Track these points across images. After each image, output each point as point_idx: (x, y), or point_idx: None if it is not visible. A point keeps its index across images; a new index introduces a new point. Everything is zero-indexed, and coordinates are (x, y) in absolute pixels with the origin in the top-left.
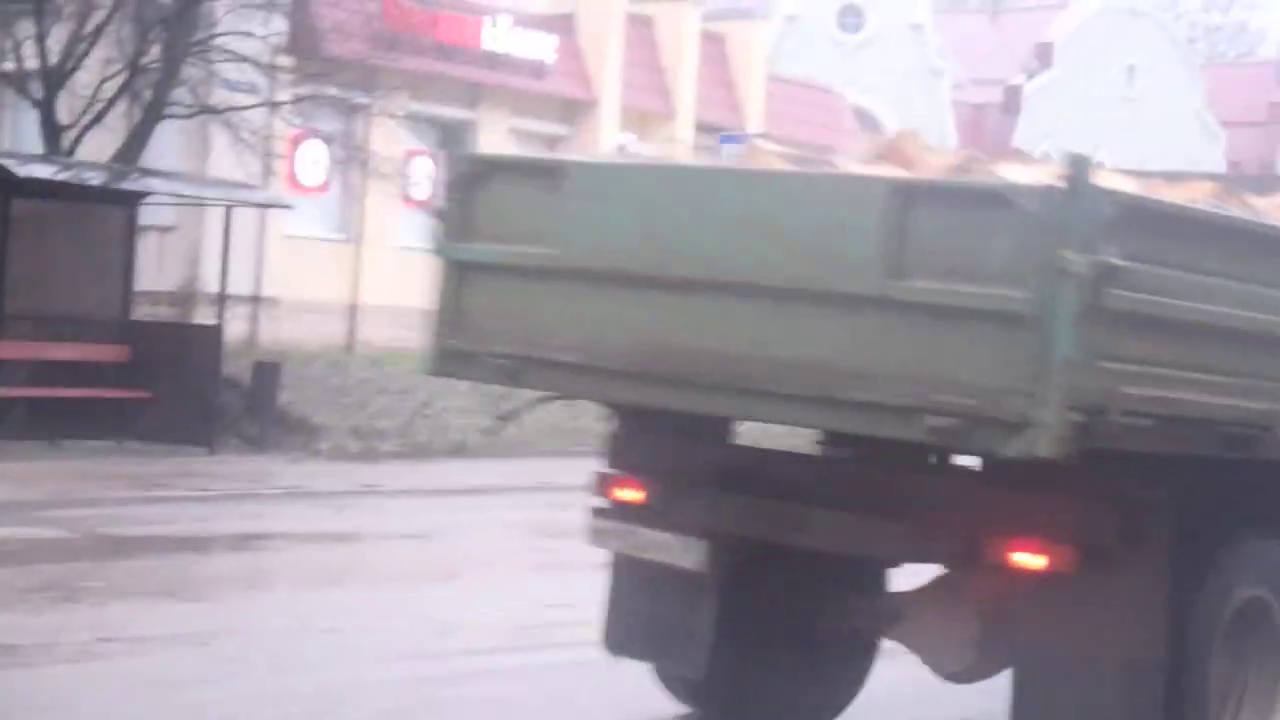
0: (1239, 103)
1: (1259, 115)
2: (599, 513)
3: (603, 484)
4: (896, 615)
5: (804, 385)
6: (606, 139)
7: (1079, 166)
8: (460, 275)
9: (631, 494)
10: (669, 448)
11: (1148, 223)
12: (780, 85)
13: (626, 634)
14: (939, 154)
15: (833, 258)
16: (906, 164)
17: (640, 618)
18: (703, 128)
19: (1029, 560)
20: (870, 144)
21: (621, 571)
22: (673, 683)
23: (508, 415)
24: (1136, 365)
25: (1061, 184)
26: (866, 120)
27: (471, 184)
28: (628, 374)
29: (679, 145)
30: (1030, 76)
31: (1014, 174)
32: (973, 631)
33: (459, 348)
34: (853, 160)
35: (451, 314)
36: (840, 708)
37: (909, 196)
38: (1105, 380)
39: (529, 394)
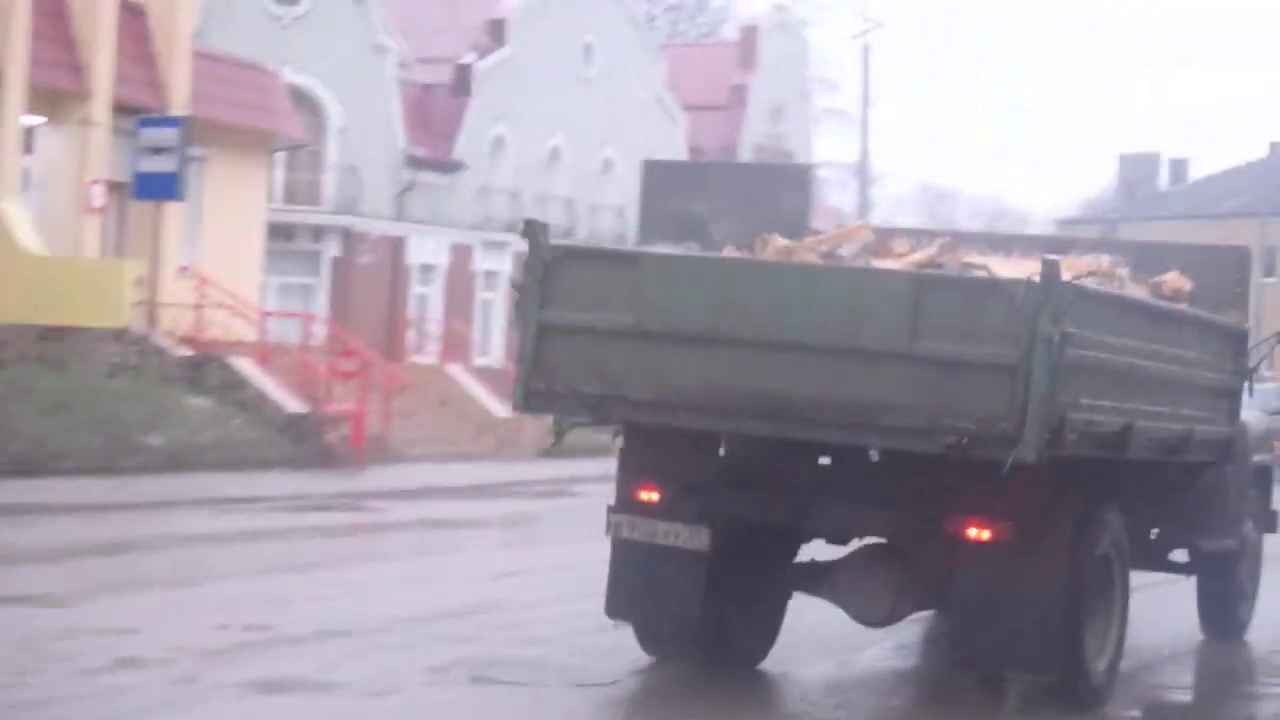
0: (700, 84)
1: (721, 98)
2: (616, 509)
3: (627, 488)
4: (826, 578)
5: (841, 415)
6: (10, 120)
7: (1051, 268)
8: (541, 333)
9: (649, 495)
10: (675, 459)
11: (1087, 303)
12: (207, 62)
13: (627, 602)
14: (916, 249)
15: (867, 325)
16: (894, 258)
17: (639, 589)
18: (121, 108)
19: (979, 533)
20: (853, 240)
21: (619, 556)
22: (654, 638)
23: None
24: (1076, 398)
25: (1037, 278)
26: (304, 101)
27: (552, 266)
28: (695, 408)
29: (95, 127)
30: (482, 55)
31: (997, 267)
32: (891, 588)
33: (543, 388)
34: (850, 254)
35: (535, 362)
36: (768, 651)
37: (927, 285)
38: (1061, 409)
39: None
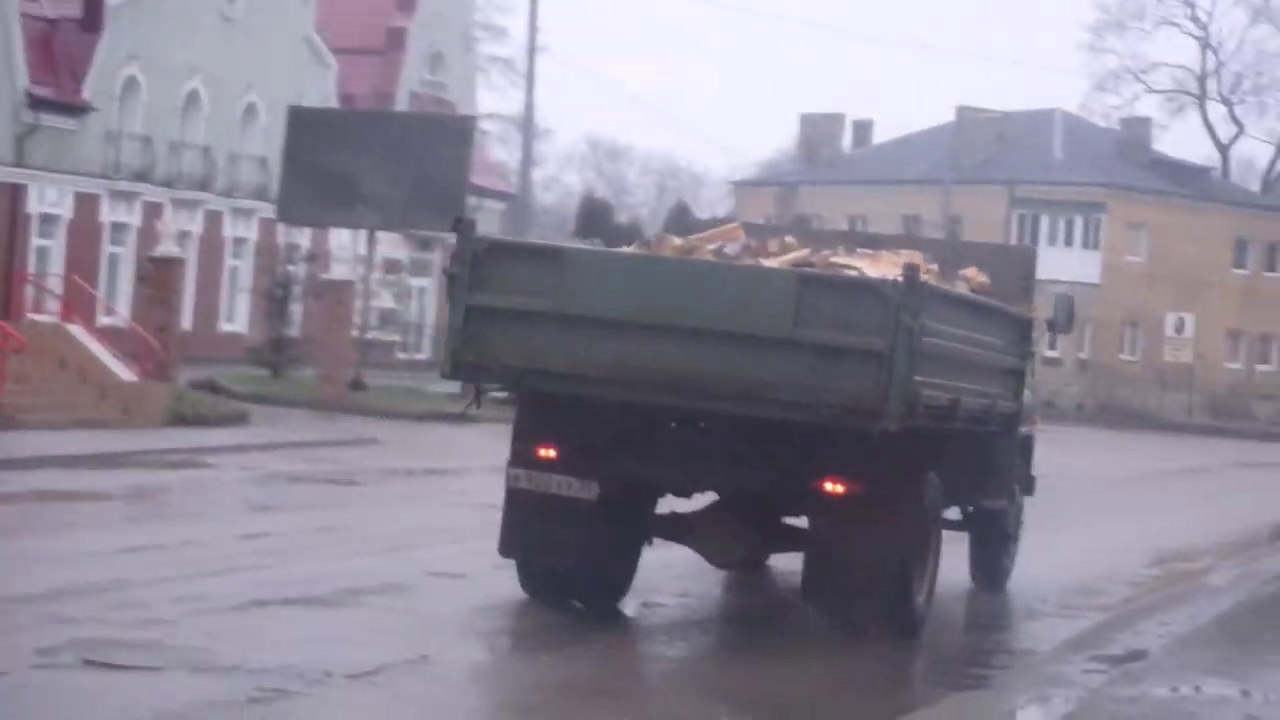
0: (355, 27)
1: (377, 42)
2: (514, 464)
3: (525, 446)
4: (687, 527)
5: (734, 389)
6: None
7: (911, 271)
8: (470, 313)
9: (547, 452)
10: (571, 424)
11: (936, 300)
12: None
13: (519, 544)
14: (789, 249)
15: (758, 314)
16: (770, 257)
17: (531, 533)
18: None
19: (835, 488)
20: (731, 240)
21: (514, 504)
22: (536, 577)
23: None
24: (924, 378)
25: (901, 278)
26: None
27: (480, 256)
28: (608, 381)
29: None
30: None
31: (865, 266)
32: (743, 536)
33: (471, 360)
34: (734, 252)
35: (464, 337)
36: (627, 589)
37: (810, 282)
38: (915, 387)
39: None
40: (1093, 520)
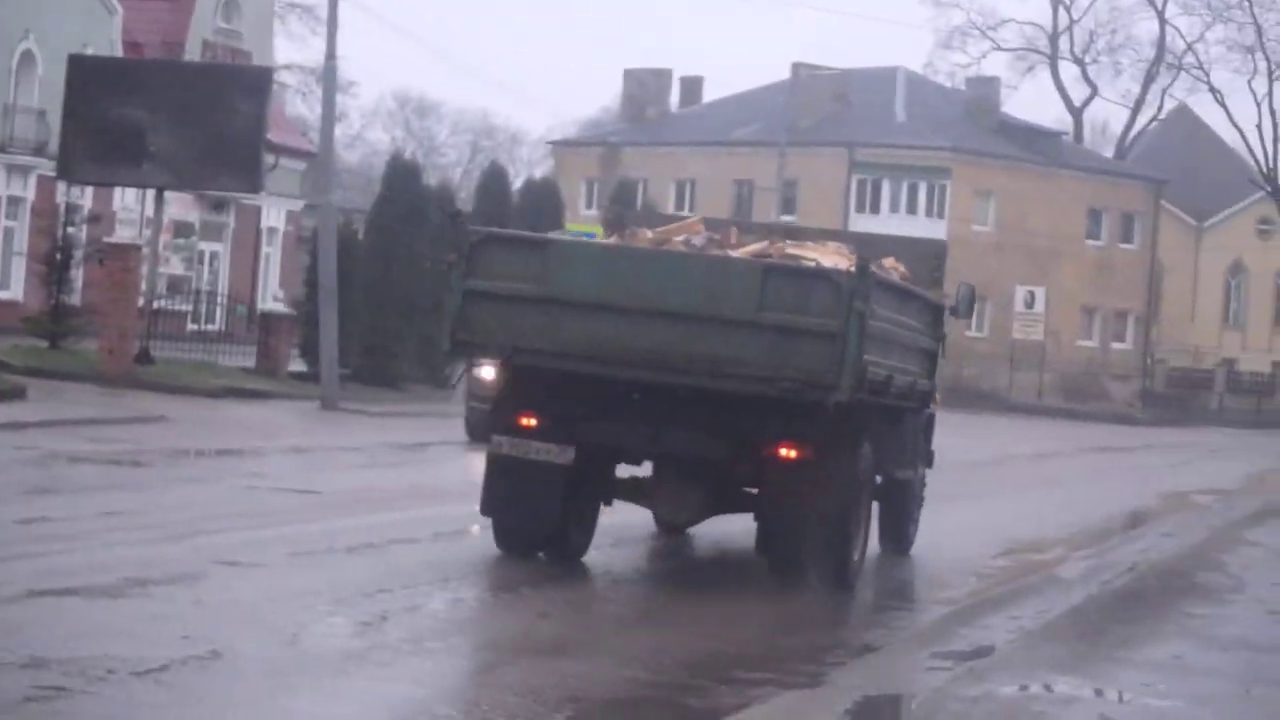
0: None
1: None
2: (498, 432)
3: (508, 416)
4: (644, 489)
5: (701, 365)
6: None
7: (862, 262)
8: (466, 296)
9: (529, 421)
10: (551, 395)
11: (879, 287)
12: None
13: (500, 505)
14: (746, 241)
15: (725, 298)
16: (730, 248)
17: (510, 493)
18: None
19: (788, 453)
20: (692, 233)
21: (495, 468)
22: (511, 535)
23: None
24: (868, 356)
25: (853, 268)
26: None
27: (475, 246)
28: (589, 358)
29: None
30: None
31: (817, 255)
32: (696, 498)
33: (466, 339)
34: (700, 244)
35: (460, 318)
36: (588, 547)
37: (772, 270)
38: (864, 365)
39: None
40: (938, 507)
